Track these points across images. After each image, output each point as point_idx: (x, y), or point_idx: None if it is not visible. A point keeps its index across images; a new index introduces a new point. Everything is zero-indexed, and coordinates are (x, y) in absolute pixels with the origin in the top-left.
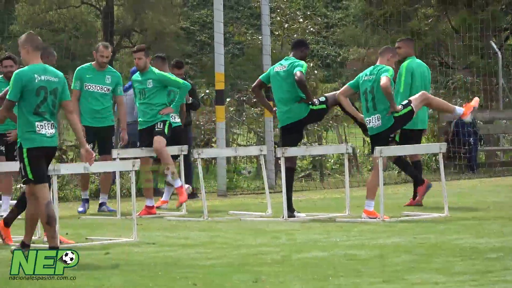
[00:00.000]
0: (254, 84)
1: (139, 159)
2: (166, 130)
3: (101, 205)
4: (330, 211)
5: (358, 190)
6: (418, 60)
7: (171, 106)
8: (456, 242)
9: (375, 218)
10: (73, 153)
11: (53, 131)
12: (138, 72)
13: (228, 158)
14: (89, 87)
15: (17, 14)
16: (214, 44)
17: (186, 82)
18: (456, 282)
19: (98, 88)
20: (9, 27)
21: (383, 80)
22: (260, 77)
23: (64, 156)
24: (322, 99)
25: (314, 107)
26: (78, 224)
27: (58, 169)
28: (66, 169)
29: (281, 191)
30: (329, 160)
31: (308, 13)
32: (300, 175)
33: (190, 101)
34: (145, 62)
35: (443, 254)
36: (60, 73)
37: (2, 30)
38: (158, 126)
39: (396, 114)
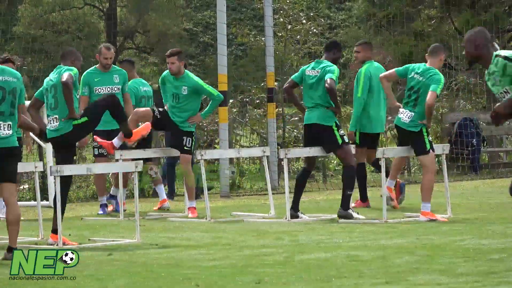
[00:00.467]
0: (286, 85)
1: (141, 160)
2: (193, 149)
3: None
4: (332, 212)
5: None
6: (377, 64)
7: (200, 114)
8: (459, 243)
9: (434, 219)
10: (77, 154)
11: (9, 132)
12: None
13: (230, 159)
14: (99, 90)
15: (20, 15)
16: (217, 45)
17: (220, 94)
18: (459, 283)
19: (108, 89)
20: (12, 28)
21: (429, 96)
22: (292, 77)
23: None
24: (343, 133)
25: (335, 129)
26: (81, 225)
27: (62, 170)
28: (70, 170)
29: (284, 192)
30: (332, 161)
31: (311, 14)
32: None
33: None
34: (178, 67)
35: (446, 255)
36: (18, 74)
37: (5, 31)
38: (187, 145)
39: (424, 127)
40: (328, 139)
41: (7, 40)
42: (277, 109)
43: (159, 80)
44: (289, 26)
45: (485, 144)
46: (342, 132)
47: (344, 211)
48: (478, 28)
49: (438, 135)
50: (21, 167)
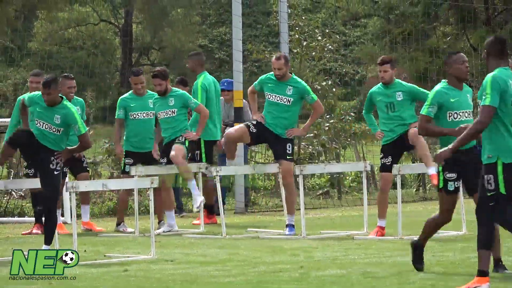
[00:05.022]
0: None
1: (157, 177)
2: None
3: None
4: (348, 229)
5: (376, 208)
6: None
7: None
8: (475, 260)
9: None
10: (91, 170)
11: None
12: (381, 84)
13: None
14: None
15: (35, 31)
16: (232, 62)
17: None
18: None
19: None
20: (27, 44)
21: None
22: None
23: None
24: None
25: None
26: (96, 241)
27: (77, 186)
28: (85, 186)
29: (299, 209)
30: (347, 177)
31: (327, 31)
32: (318, 193)
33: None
34: (391, 75)
35: (462, 272)
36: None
37: (21, 47)
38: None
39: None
40: None
41: (23, 56)
42: None
43: (367, 100)
44: (305, 43)
45: None
46: None
47: None
48: None
49: None
50: (37, 183)
